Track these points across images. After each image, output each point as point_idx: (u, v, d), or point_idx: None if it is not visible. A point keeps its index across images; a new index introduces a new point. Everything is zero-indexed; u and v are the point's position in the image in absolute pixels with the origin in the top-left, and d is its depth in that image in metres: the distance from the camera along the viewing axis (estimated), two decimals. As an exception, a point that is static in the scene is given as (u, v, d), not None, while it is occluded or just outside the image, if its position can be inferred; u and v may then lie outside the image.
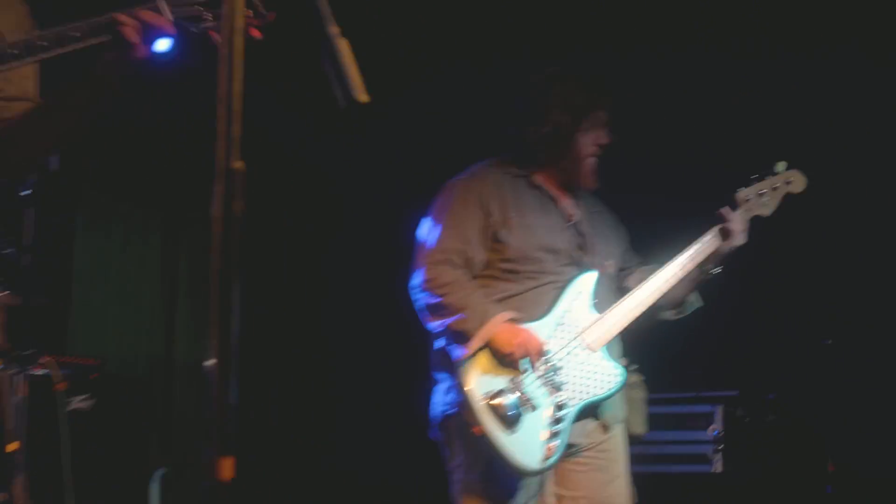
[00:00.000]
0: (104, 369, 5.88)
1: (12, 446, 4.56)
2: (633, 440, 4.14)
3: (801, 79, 6.05)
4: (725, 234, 4.05)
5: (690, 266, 4.01)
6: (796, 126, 5.99)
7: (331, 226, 7.95)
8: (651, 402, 5.80)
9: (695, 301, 4.23)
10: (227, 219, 1.68)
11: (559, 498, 3.91)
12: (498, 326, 3.74)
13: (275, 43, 2.57)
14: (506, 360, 3.73)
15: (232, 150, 1.71)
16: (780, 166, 4.15)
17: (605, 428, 3.95)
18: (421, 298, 3.90)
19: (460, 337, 3.78)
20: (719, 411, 5.75)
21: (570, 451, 3.85)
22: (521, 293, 3.90)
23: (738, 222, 4.03)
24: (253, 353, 7.39)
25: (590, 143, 4.03)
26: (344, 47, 1.79)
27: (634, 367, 4.12)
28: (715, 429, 5.68)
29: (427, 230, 3.98)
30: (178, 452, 7.03)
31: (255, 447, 7.46)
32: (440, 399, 3.92)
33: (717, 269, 4.11)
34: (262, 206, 7.51)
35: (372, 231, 7.29)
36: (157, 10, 2.65)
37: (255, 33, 2.51)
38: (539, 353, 3.76)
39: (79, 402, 5.47)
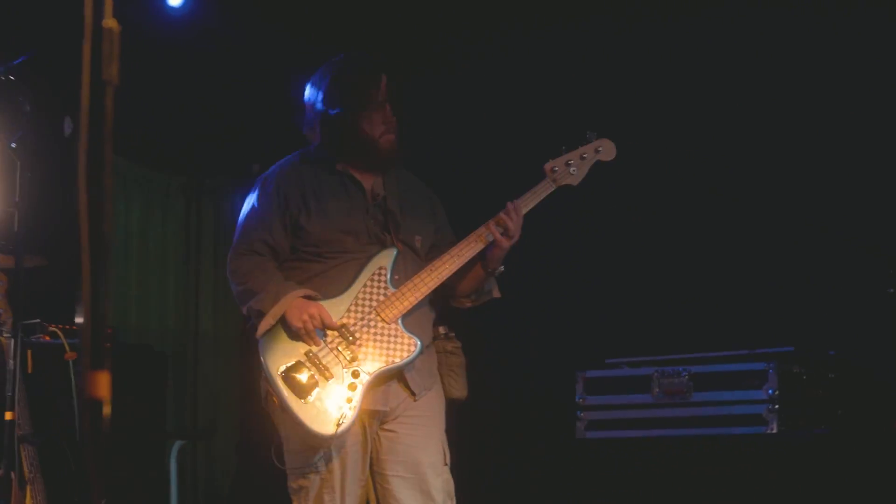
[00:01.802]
0: (118, 338, 5.62)
1: (9, 415, 4.33)
2: (454, 403, 4.24)
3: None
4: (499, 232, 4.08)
5: (467, 254, 4.07)
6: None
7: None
8: (700, 360, 5.56)
9: (488, 292, 4.29)
10: (96, 87, 1.42)
11: (377, 462, 4.05)
12: (290, 303, 3.89)
13: None
14: (297, 334, 3.89)
15: (102, 4, 1.43)
16: (592, 135, 4.22)
17: (412, 394, 4.06)
18: (232, 288, 4.09)
19: (259, 316, 3.92)
20: (774, 369, 5.37)
21: (380, 420, 4.01)
22: (325, 272, 4.04)
23: (512, 228, 4.06)
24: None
25: (377, 122, 4.09)
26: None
27: (451, 334, 4.24)
28: (770, 387, 5.29)
29: (237, 226, 4.18)
30: (197, 426, 6.76)
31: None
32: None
33: (500, 269, 4.18)
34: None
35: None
36: None
37: None
38: (329, 325, 3.90)
39: None
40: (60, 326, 5.13)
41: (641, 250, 6.04)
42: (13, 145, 4.44)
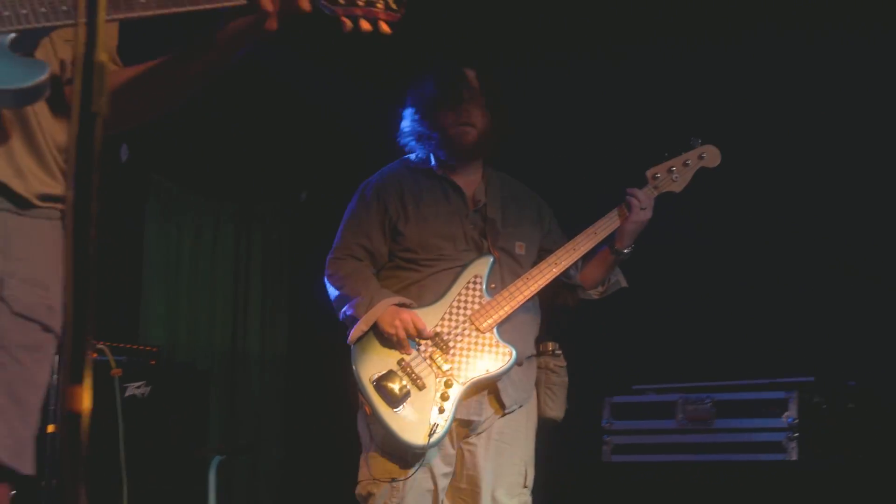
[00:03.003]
0: (163, 357, 5.74)
1: (51, 428, 4.43)
2: (548, 423, 4.15)
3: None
4: (628, 210, 4.02)
5: (589, 244, 4.00)
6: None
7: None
8: (723, 388, 5.57)
9: (618, 282, 4.23)
10: (86, 117, 1.46)
11: (448, 475, 3.94)
12: (384, 309, 3.83)
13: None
14: (390, 341, 3.83)
15: (95, 39, 1.48)
16: (696, 142, 4.11)
17: (502, 406, 3.95)
18: (329, 293, 4.05)
19: (353, 322, 3.89)
20: (794, 398, 5.37)
21: (470, 429, 3.93)
22: (420, 280, 3.98)
23: (642, 198, 4.00)
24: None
25: (452, 117, 4.04)
26: None
27: (559, 352, 4.14)
28: (790, 416, 5.30)
29: (339, 231, 4.14)
30: (239, 441, 6.84)
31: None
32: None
33: (628, 249, 4.07)
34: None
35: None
36: None
37: (385, 28, 2.32)
38: (422, 333, 3.82)
39: (135, 389, 5.30)
40: (107, 343, 5.23)
41: (669, 280, 6.05)
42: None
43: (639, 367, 6.08)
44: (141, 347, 5.61)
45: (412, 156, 4.20)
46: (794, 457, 5.31)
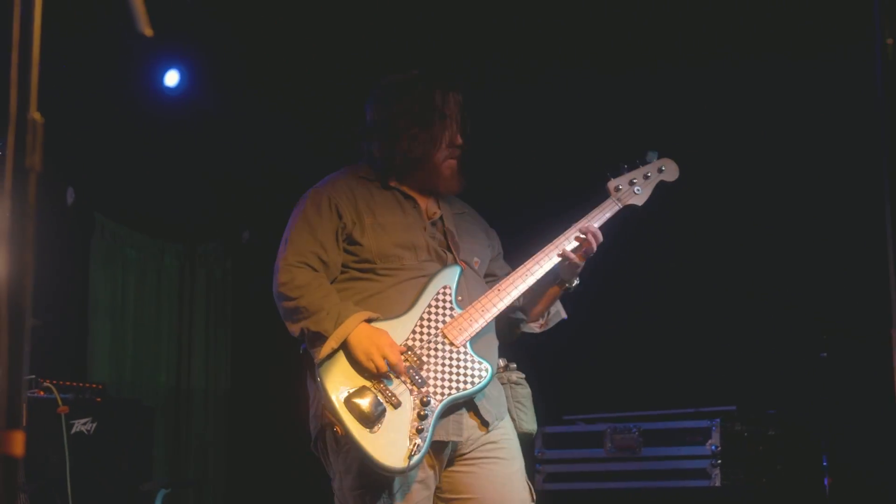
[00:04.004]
0: (109, 394, 5.75)
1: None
2: (524, 438, 3.78)
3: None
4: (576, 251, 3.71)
5: (537, 273, 3.66)
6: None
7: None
8: (649, 418, 5.68)
9: (558, 313, 3.91)
10: (20, 174, 1.51)
11: (447, 502, 3.59)
12: (353, 328, 3.49)
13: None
14: (360, 361, 3.47)
15: (28, 97, 1.53)
16: (652, 155, 3.86)
17: (484, 424, 3.60)
18: (279, 303, 3.64)
19: (318, 338, 3.51)
20: (717, 426, 5.52)
21: (452, 452, 3.57)
22: (381, 292, 3.64)
23: (598, 235, 3.70)
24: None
25: (442, 149, 3.73)
26: None
27: (513, 365, 3.80)
28: (713, 444, 5.41)
29: (283, 237, 3.73)
30: (184, 475, 6.85)
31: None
32: (312, 409, 3.64)
33: (575, 284, 3.75)
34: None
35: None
36: None
37: None
38: (397, 354, 3.48)
39: (82, 426, 5.31)
40: (54, 381, 5.26)
41: (596, 313, 6.16)
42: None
43: (568, 398, 6.17)
44: (87, 385, 5.60)
45: (360, 163, 3.87)
46: (717, 483, 5.44)
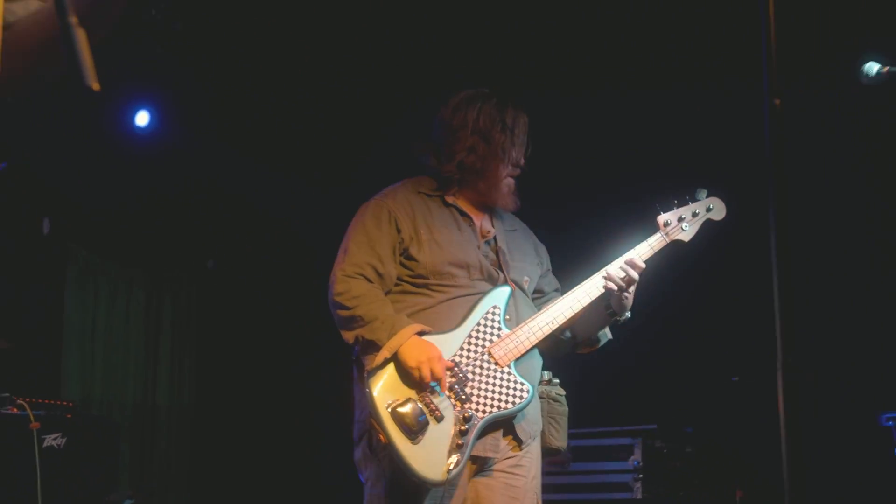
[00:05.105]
0: (78, 411, 5.91)
1: None
2: (551, 453, 3.84)
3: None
4: (620, 282, 3.70)
5: (585, 301, 3.68)
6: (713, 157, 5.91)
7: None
8: (577, 435, 5.87)
9: (604, 335, 3.92)
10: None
11: None
12: (406, 339, 3.49)
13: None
14: (409, 372, 3.48)
15: None
16: (702, 193, 3.85)
17: (519, 443, 3.63)
18: (334, 311, 3.65)
19: (370, 347, 3.53)
20: (639, 443, 5.71)
21: (482, 466, 3.58)
22: (432, 307, 3.65)
23: (634, 273, 3.69)
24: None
25: (505, 165, 3.76)
26: (81, 36, 1.64)
27: (556, 381, 3.86)
28: (635, 459, 5.64)
29: (342, 247, 3.75)
30: (149, 486, 7.06)
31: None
32: (357, 414, 3.67)
33: (626, 316, 3.76)
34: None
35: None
36: None
37: None
38: (443, 369, 3.49)
39: (52, 440, 5.47)
40: (27, 399, 5.37)
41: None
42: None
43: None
44: (58, 402, 5.74)
45: (418, 178, 3.87)
46: (639, 496, 5.63)
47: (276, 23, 6.33)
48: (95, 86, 1.66)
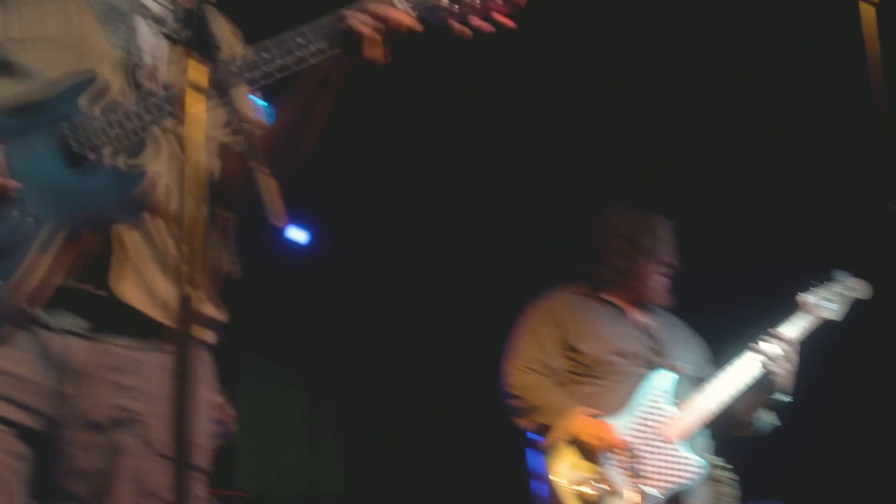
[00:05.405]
0: (254, 500, 6.29)
1: None
2: None
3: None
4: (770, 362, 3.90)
5: (742, 379, 3.87)
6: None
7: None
8: None
9: (768, 420, 4.06)
10: None
11: None
12: (577, 419, 3.72)
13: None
14: (587, 450, 3.69)
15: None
16: (840, 274, 4.02)
17: None
18: (508, 402, 3.94)
19: (542, 430, 3.78)
20: None
21: None
22: (599, 393, 3.88)
23: (783, 353, 3.88)
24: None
25: (653, 265, 4.08)
26: (271, 184, 1.88)
27: (730, 466, 3.99)
28: None
29: (511, 345, 4.05)
30: None
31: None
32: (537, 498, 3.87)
33: (784, 397, 3.94)
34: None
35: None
36: (390, 3, 2.08)
37: (506, 21, 2.05)
38: (618, 444, 3.70)
39: None
40: (213, 490, 5.71)
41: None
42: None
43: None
44: (237, 493, 6.00)
45: (574, 282, 4.17)
46: None
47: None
48: (280, 223, 1.89)
